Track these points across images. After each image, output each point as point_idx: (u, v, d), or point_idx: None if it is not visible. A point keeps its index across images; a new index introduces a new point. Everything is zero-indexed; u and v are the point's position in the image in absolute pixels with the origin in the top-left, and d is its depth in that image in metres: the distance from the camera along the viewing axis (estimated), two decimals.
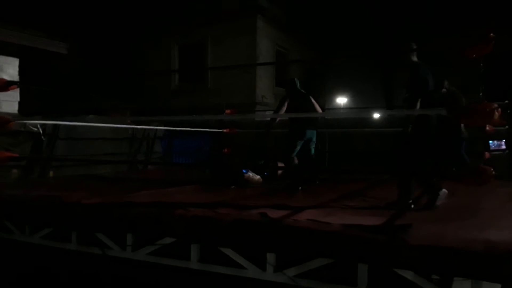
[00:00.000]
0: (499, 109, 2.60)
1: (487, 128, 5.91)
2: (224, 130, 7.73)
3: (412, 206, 3.56)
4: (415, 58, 3.77)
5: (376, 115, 7.79)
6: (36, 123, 5.95)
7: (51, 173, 6.51)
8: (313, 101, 5.37)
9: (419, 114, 3.53)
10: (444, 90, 5.94)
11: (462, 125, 5.69)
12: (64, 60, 7.90)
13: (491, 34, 2.50)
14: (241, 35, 13.16)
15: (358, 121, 8.16)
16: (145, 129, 8.22)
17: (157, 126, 8.31)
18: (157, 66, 13.98)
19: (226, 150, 7.81)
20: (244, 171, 6.02)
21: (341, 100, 24.29)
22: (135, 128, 7.84)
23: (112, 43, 14.00)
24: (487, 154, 6.32)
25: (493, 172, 2.56)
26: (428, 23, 12.83)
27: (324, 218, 2.96)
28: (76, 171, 6.66)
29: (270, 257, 2.87)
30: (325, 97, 19.94)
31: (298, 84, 5.36)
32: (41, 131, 6.10)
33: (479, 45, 2.57)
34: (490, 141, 2.97)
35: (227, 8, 13.05)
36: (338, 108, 20.75)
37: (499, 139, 5.56)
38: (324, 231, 2.70)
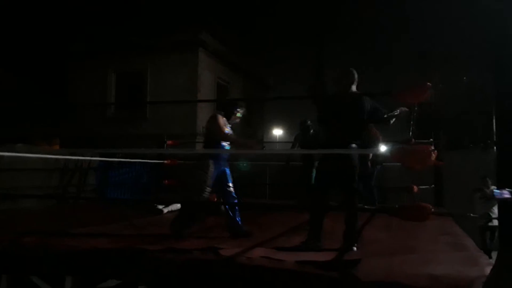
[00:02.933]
0: (435, 151, 2.86)
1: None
2: (165, 161, 7.53)
3: (355, 249, 3.28)
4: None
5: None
6: None
7: None
8: None
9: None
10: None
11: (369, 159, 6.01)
12: None
13: (429, 84, 2.78)
14: (183, 66, 13.19)
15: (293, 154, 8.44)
16: (78, 159, 7.78)
17: (92, 156, 7.91)
18: (93, 92, 13.45)
19: (166, 181, 7.59)
20: (160, 207, 5.85)
21: (277, 132, 25.11)
22: (67, 158, 7.40)
23: (47, 67, 13.31)
24: (415, 188, 6.85)
25: (432, 209, 2.77)
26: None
27: (276, 254, 2.98)
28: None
29: None
30: (263, 129, 20.46)
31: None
32: None
33: (416, 92, 2.83)
34: (494, 188, 3.04)
35: (169, 40, 13.06)
36: (275, 142, 21.42)
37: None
38: (279, 269, 2.71)
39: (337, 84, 3.69)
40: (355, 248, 3.29)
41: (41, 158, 6.73)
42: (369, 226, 4.64)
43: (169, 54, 13.16)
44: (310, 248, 3.28)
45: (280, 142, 23.30)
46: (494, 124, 2.44)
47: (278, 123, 24.55)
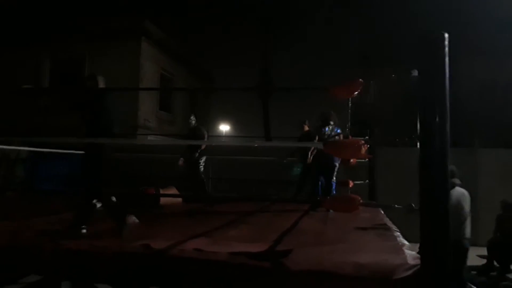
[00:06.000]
0: (366, 145, 2.98)
1: (351, 160, 6.69)
2: None
3: (84, 231, 3.45)
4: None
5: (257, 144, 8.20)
6: None
7: None
8: None
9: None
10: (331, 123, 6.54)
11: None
12: None
13: (360, 80, 2.87)
14: (124, 55, 12.67)
15: (239, 148, 8.47)
16: (4, 149, 7.24)
17: (21, 146, 7.37)
18: (25, 79, 12.52)
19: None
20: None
21: (224, 128, 25.04)
22: None
23: None
24: (351, 183, 7.12)
25: (361, 201, 2.88)
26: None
27: (210, 247, 2.94)
28: None
29: None
30: (209, 124, 20.30)
31: None
32: None
33: (349, 88, 2.92)
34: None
35: (111, 27, 12.48)
36: (221, 136, 21.31)
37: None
38: (211, 261, 2.68)
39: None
40: (84, 231, 3.43)
41: None
42: (306, 218, 4.76)
43: (110, 41, 12.58)
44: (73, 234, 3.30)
45: (228, 136, 23.22)
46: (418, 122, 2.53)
47: (224, 119, 24.51)
